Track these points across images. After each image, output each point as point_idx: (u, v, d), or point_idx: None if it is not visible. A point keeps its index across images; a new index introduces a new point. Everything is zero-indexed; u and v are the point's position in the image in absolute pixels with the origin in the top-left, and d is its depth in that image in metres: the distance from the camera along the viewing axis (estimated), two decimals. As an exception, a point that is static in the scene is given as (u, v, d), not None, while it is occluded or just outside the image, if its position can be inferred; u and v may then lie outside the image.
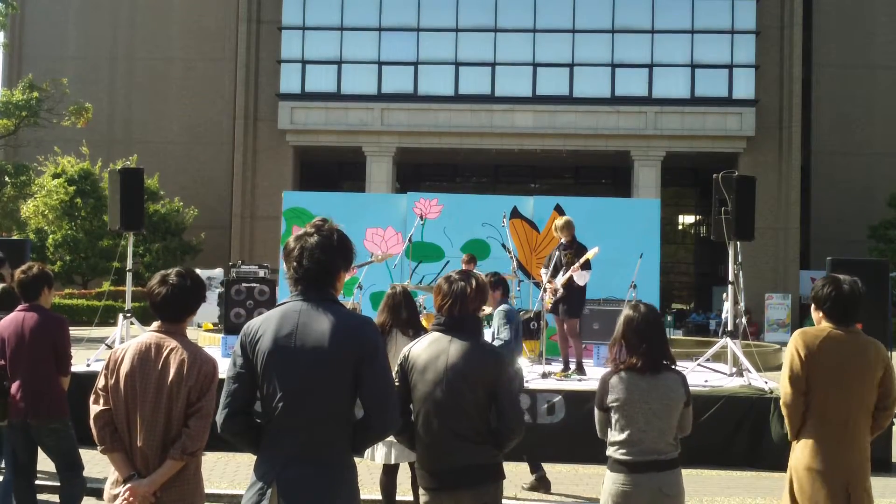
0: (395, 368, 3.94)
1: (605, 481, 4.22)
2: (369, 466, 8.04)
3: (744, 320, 28.51)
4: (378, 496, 6.99)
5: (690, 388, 4.35)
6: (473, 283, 3.96)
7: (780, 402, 4.39)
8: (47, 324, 5.65)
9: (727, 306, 30.73)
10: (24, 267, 5.85)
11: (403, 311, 6.19)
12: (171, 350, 3.73)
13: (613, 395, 4.17)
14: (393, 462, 6.01)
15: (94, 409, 3.75)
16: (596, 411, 4.30)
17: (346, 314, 3.25)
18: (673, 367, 4.25)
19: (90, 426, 3.76)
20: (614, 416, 4.18)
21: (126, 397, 3.70)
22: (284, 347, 3.16)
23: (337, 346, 3.14)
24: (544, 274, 10.44)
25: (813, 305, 4.44)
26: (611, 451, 4.19)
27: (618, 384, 4.17)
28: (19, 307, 5.76)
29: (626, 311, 4.29)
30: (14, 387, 5.61)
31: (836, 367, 4.24)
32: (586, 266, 10.02)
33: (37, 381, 5.59)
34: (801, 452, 4.31)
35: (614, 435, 4.18)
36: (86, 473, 6.04)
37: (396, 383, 3.85)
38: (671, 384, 4.17)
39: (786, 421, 4.38)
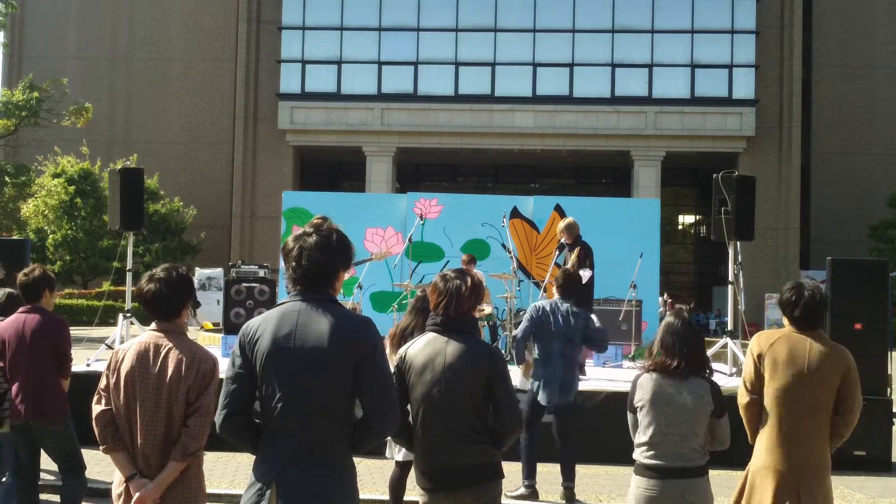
0: (393, 372, 3.95)
1: (630, 485, 4.24)
2: (369, 466, 8.05)
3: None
4: (378, 496, 6.99)
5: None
6: (469, 281, 3.96)
7: (738, 404, 4.41)
8: (48, 325, 5.66)
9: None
10: (26, 269, 5.89)
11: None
12: (170, 349, 3.73)
13: (639, 395, 4.20)
14: (407, 459, 5.97)
15: (96, 409, 3.77)
16: (629, 414, 4.32)
17: (346, 314, 3.24)
18: (706, 376, 4.22)
19: (92, 426, 3.78)
20: (640, 417, 4.20)
21: (127, 397, 3.71)
22: (283, 347, 3.15)
23: (336, 345, 3.13)
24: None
25: (781, 311, 4.49)
26: (637, 455, 4.20)
27: (645, 384, 4.20)
28: (21, 309, 5.79)
29: (667, 318, 4.31)
30: (14, 388, 5.62)
31: (783, 368, 4.28)
32: (584, 265, 10.02)
33: (37, 383, 5.59)
34: (755, 451, 4.37)
35: (639, 436, 4.20)
36: (86, 474, 6.04)
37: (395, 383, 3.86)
38: (697, 390, 4.15)
39: (744, 423, 4.41)
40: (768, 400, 4.32)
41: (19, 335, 5.62)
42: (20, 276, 5.83)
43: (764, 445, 4.33)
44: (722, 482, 8.25)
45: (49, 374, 5.62)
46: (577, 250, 10.01)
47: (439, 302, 3.93)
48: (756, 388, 4.34)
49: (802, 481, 4.23)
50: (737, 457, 8.42)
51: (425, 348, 3.88)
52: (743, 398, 4.40)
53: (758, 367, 4.33)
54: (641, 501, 4.11)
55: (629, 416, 4.30)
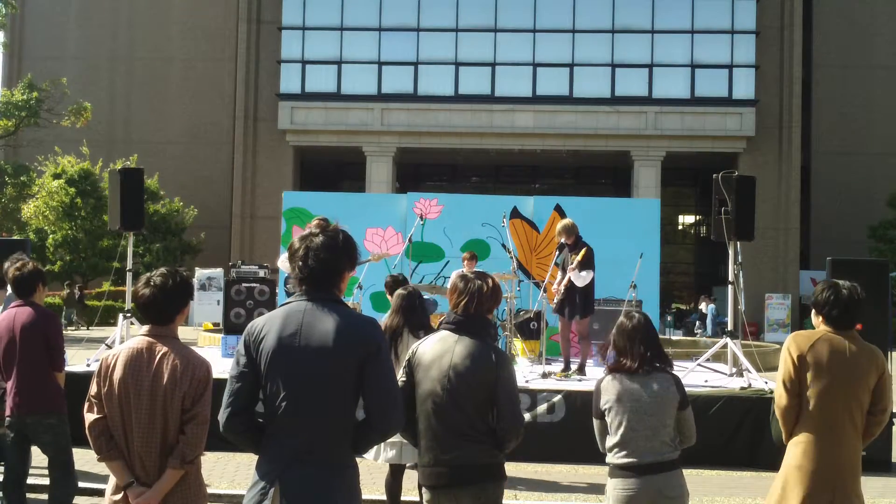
0: (403, 367, 3.96)
1: (606, 488, 4.24)
2: (369, 466, 8.04)
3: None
4: (379, 496, 6.99)
5: (690, 388, 4.37)
6: (490, 282, 3.98)
7: (775, 405, 4.40)
8: (37, 319, 5.59)
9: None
10: (18, 264, 5.81)
11: (416, 312, 6.15)
12: (163, 355, 3.66)
13: (605, 398, 4.23)
14: (401, 462, 5.99)
15: (89, 417, 3.70)
16: (594, 421, 4.33)
17: (351, 314, 3.25)
18: (667, 369, 4.29)
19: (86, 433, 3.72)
20: (608, 419, 4.22)
21: (120, 404, 3.64)
22: (288, 347, 3.16)
23: (341, 345, 3.14)
24: (558, 275, 10.42)
25: (813, 310, 4.46)
26: (610, 458, 4.22)
27: (608, 386, 4.24)
28: (13, 304, 5.73)
29: (620, 319, 4.38)
30: (9, 385, 5.58)
31: (827, 369, 4.26)
32: (587, 266, 9.99)
33: (30, 377, 5.53)
34: (791, 452, 4.33)
35: (610, 438, 4.22)
36: (83, 470, 5.98)
37: (403, 380, 3.87)
38: (661, 383, 4.21)
39: (780, 424, 4.40)
40: (811, 402, 4.27)
41: (10, 330, 5.57)
42: (13, 270, 5.74)
43: (802, 447, 4.28)
44: (723, 482, 8.26)
45: (41, 368, 5.56)
46: (584, 250, 9.97)
47: (459, 301, 3.93)
48: (796, 389, 4.29)
49: (839, 483, 4.23)
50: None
51: (435, 346, 3.88)
52: (782, 400, 4.33)
53: (798, 368, 4.28)
54: (621, 502, 4.11)
55: (596, 422, 4.31)
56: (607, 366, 4.31)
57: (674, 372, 4.35)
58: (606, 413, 4.21)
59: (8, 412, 5.60)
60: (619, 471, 4.15)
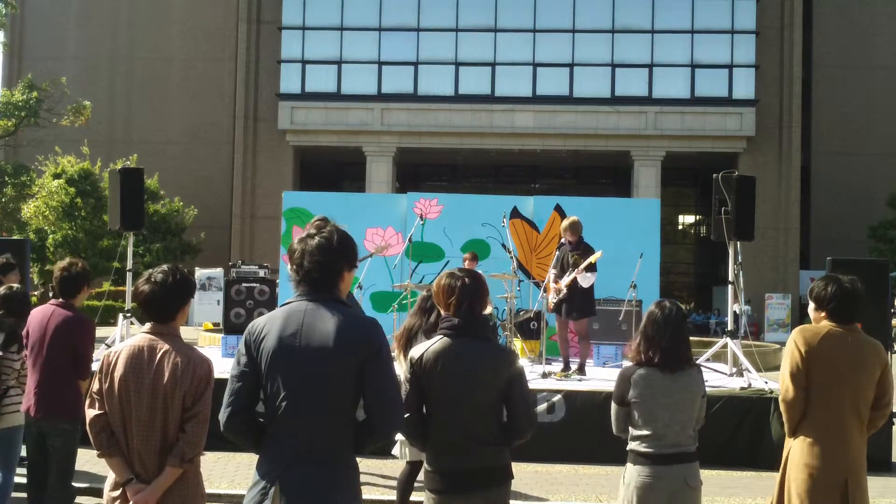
0: (406, 374, 3.88)
1: (625, 474, 4.22)
2: (370, 466, 8.05)
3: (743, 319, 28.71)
4: (380, 496, 6.99)
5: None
6: (481, 279, 3.92)
7: (780, 399, 4.38)
8: (69, 324, 5.54)
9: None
10: (65, 264, 5.76)
11: (434, 314, 6.12)
12: (164, 353, 3.65)
13: (636, 391, 4.18)
14: (418, 459, 5.93)
15: (90, 413, 3.70)
16: (613, 406, 4.29)
17: (351, 314, 3.24)
18: (694, 362, 4.29)
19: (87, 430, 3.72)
20: (636, 412, 4.19)
21: (121, 401, 3.64)
22: (289, 347, 3.15)
23: (342, 345, 3.13)
24: (552, 273, 10.40)
25: (813, 305, 4.41)
26: (633, 445, 4.20)
27: (640, 380, 4.19)
28: (51, 301, 5.69)
29: (651, 307, 4.31)
30: (29, 384, 5.57)
31: (835, 364, 4.25)
32: (591, 268, 10.00)
33: (51, 380, 5.50)
34: (798, 450, 4.30)
35: (636, 430, 4.19)
36: (82, 470, 5.95)
37: (409, 388, 3.79)
38: (692, 378, 4.21)
39: (784, 418, 4.38)
40: (818, 397, 4.25)
41: (42, 327, 5.54)
42: (60, 270, 5.69)
43: (809, 443, 4.27)
44: (723, 482, 8.26)
45: (63, 373, 5.50)
46: (599, 253, 9.95)
47: (460, 303, 3.82)
48: (802, 382, 4.26)
49: (850, 478, 4.23)
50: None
51: (442, 350, 3.76)
52: (789, 393, 4.30)
53: (805, 361, 4.25)
54: (644, 489, 4.10)
55: (616, 408, 4.27)
56: (636, 355, 4.25)
57: (696, 363, 4.36)
58: (633, 406, 4.18)
59: (29, 412, 5.59)
60: (642, 458, 4.13)
